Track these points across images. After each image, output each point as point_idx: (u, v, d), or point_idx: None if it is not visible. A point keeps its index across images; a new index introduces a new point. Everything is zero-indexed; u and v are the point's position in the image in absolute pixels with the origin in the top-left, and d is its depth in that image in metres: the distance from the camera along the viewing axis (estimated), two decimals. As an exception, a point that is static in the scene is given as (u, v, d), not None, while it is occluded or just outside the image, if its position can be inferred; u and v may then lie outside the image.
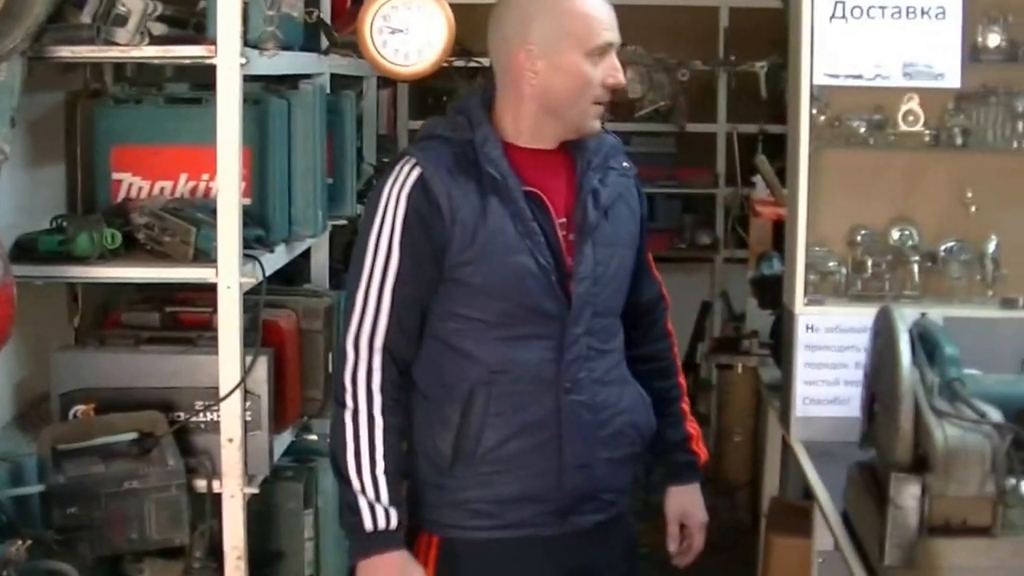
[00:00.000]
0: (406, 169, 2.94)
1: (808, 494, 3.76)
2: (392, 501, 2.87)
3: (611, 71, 2.92)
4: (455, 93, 6.91)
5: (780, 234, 4.94)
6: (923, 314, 3.14)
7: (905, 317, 2.91)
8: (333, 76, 4.55)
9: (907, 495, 2.71)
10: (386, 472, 2.88)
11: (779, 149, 5.59)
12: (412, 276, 2.91)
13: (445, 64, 6.57)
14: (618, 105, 6.78)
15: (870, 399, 3.07)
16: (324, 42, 4.35)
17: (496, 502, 2.97)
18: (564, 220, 2.96)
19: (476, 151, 2.92)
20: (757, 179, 6.23)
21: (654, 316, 3.29)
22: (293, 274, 4.47)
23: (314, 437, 4.28)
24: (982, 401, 2.78)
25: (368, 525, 2.86)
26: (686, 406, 3.34)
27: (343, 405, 2.93)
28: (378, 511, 2.86)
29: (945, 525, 2.70)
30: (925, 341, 2.95)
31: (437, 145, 2.99)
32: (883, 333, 2.95)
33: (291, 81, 4.01)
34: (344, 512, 2.93)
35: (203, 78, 3.68)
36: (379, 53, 4.20)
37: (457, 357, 2.97)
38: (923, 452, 2.74)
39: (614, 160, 3.04)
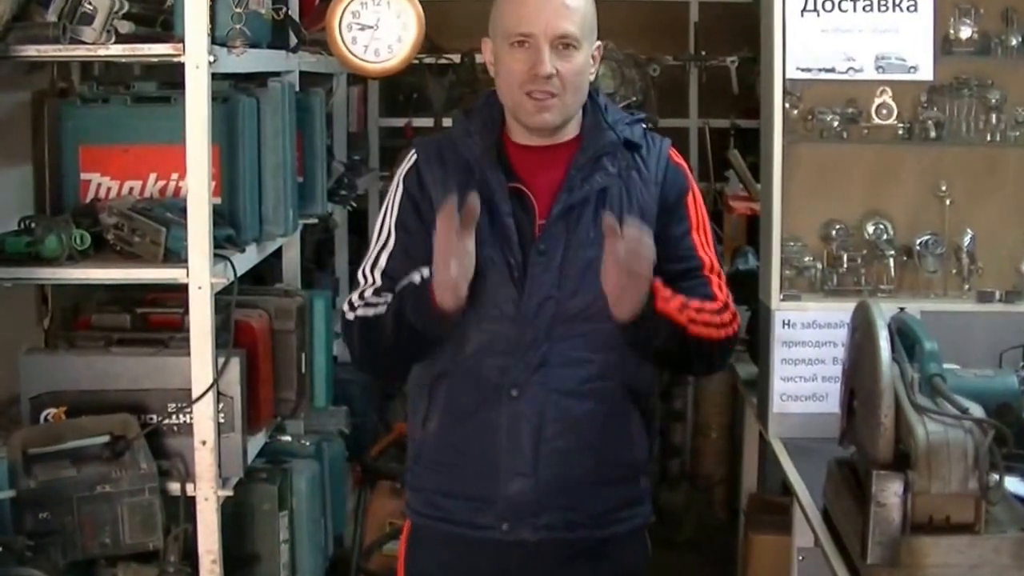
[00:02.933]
0: (408, 155, 3.03)
1: (787, 490, 3.74)
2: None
3: (531, 62, 2.83)
4: (426, 90, 6.86)
5: (754, 229, 4.91)
6: (901, 309, 3.13)
7: (883, 312, 2.89)
8: (302, 74, 4.51)
9: (889, 492, 2.68)
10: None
11: (751, 144, 5.57)
12: (401, 254, 2.93)
13: (415, 61, 6.60)
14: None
15: (849, 395, 3.05)
16: (293, 40, 4.30)
17: (443, 495, 2.98)
18: (544, 221, 2.91)
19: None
20: (730, 174, 6.20)
21: (681, 283, 2.91)
22: (264, 273, 4.44)
23: (288, 438, 4.25)
24: (962, 397, 2.76)
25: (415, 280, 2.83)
26: (694, 301, 2.88)
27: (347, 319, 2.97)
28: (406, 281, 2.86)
29: (928, 522, 2.68)
30: (904, 336, 2.93)
31: (442, 135, 3.08)
32: (861, 328, 2.92)
33: (259, 79, 3.96)
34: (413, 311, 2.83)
35: (171, 76, 3.65)
36: (348, 50, 4.18)
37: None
38: (904, 449, 2.72)
39: (608, 159, 2.94)
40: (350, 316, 2.95)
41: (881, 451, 2.73)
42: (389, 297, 2.88)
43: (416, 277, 2.80)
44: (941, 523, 2.68)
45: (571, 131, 2.97)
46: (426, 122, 6.89)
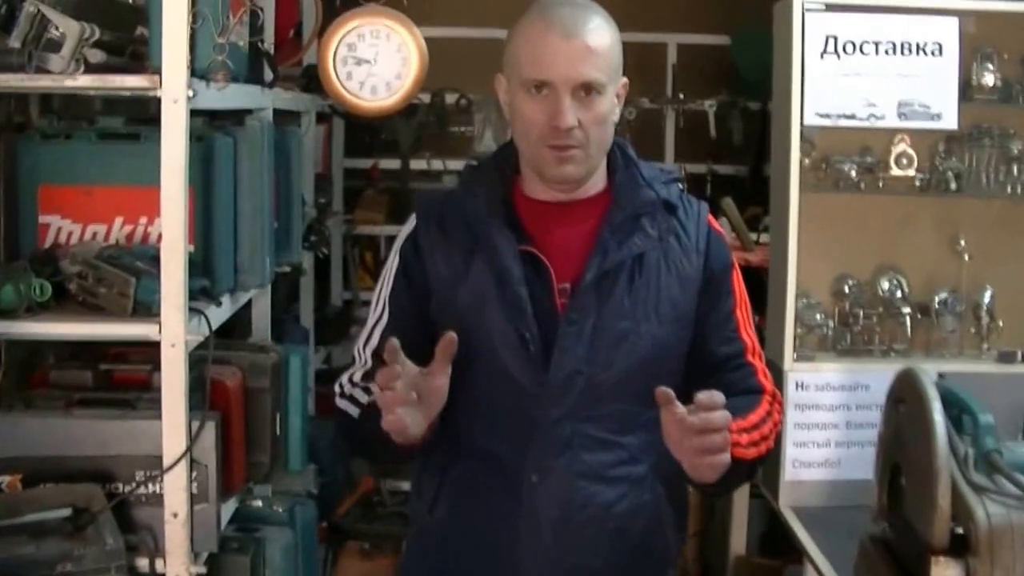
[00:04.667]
0: (409, 218, 2.74)
1: (773, 552, 3.49)
2: None
3: (550, 113, 2.52)
4: (393, 130, 6.61)
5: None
6: (941, 375, 2.88)
7: (933, 382, 2.64)
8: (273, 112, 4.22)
9: None
10: None
11: (727, 190, 5.36)
12: (393, 332, 2.58)
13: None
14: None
15: (890, 469, 2.79)
16: (268, 74, 4.02)
17: None
18: (567, 286, 2.61)
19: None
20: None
21: (724, 372, 2.66)
22: (231, 325, 4.13)
23: (259, 503, 3.94)
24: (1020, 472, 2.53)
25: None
26: (753, 416, 2.59)
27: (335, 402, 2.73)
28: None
29: (991, 614, 2.45)
30: (949, 405, 2.68)
31: (445, 192, 2.77)
32: (910, 399, 2.67)
33: (231, 117, 3.69)
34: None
35: (138, 111, 3.44)
36: (343, 86, 3.88)
37: (439, 427, 2.66)
38: (962, 532, 2.48)
39: (647, 219, 2.64)
40: (337, 402, 2.71)
41: (937, 535, 2.50)
42: (367, 396, 2.61)
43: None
44: (1005, 615, 2.45)
45: (595, 185, 2.68)
46: (392, 164, 6.64)
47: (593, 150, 2.58)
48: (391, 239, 6.60)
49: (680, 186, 2.72)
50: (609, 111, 2.58)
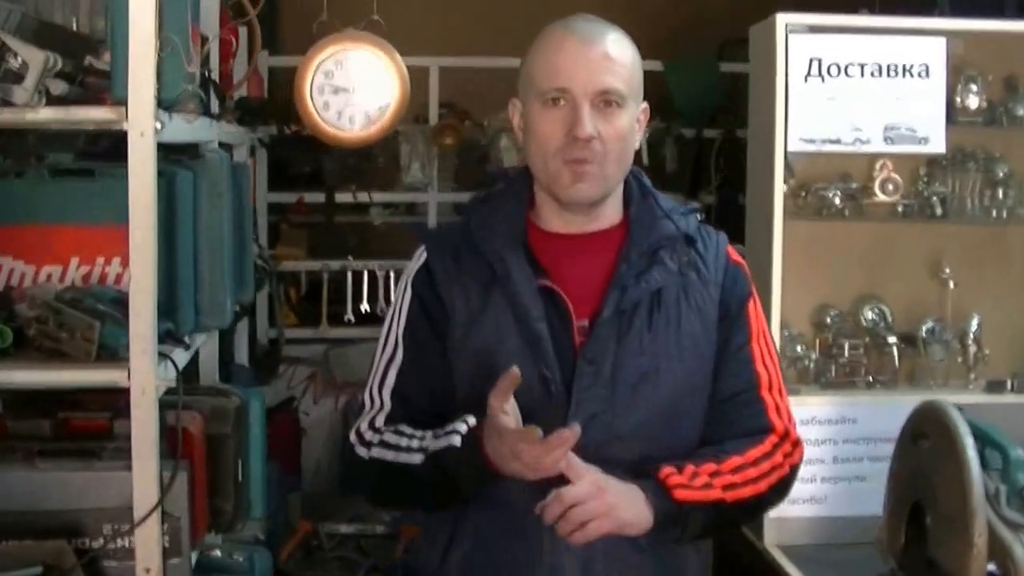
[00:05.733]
0: (417, 253, 2.60)
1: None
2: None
3: (569, 123, 2.41)
4: (318, 162, 6.46)
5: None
6: (960, 408, 2.79)
7: (962, 417, 2.55)
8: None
9: None
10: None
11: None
12: (413, 370, 2.53)
13: (302, 131, 6.17)
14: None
15: (907, 507, 2.69)
16: (215, 106, 3.85)
17: None
18: (585, 323, 2.48)
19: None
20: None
21: (733, 407, 2.58)
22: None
23: (218, 552, 3.76)
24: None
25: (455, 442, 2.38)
26: (709, 464, 2.47)
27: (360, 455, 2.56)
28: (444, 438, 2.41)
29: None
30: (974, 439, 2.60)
31: (456, 225, 2.62)
32: (936, 435, 2.59)
33: (180, 151, 3.51)
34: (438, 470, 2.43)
35: (84, 145, 3.31)
36: (319, 116, 3.69)
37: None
38: (997, 571, 2.38)
39: (666, 252, 2.52)
40: (363, 454, 2.53)
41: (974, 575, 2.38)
42: (414, 440, 2.46)
43: (456, 439, 2.37)
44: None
45: (611, 216, 2.56)
46: (317, 197, 6.47)
47: (610, 169, 2.46)
48: (313, 275, 6.46)
49: (699, 217, 2.60)
50: (629, 128, 2.47)
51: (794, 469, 2.59)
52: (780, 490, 2.57)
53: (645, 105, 2.53)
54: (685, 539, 2.45)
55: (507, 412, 2.30)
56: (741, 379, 2.56)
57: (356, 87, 3.70)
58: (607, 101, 2.42)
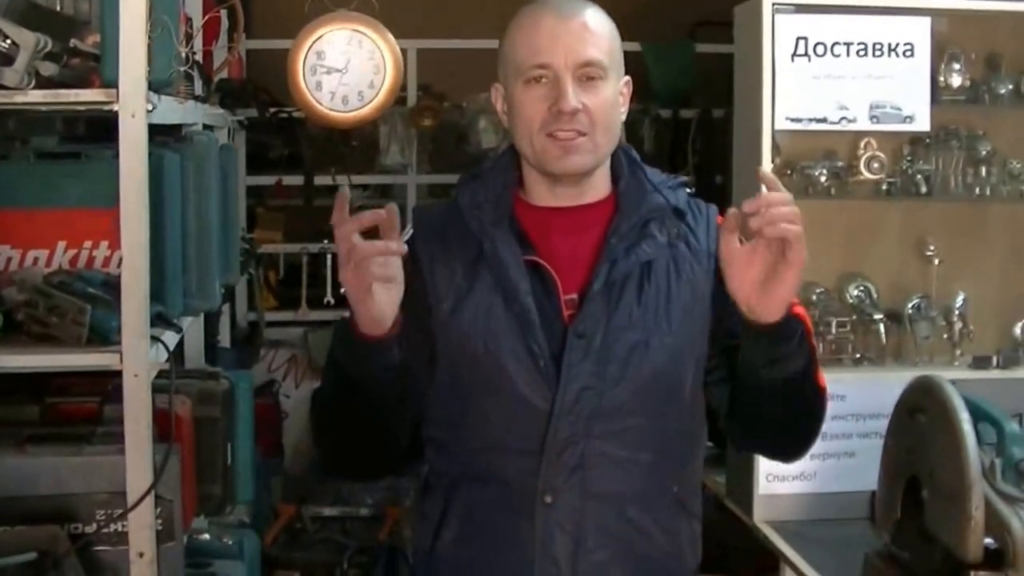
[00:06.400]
0: (404, 231, 2.51)
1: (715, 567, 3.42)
2: None
3: (552, 98, 2.39)
4: (295, 146, 6.45)
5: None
6: (953, 383, 2.80)
7: (956, 392, 2.56)
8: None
9: None
10: None
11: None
12: None
13: (283, 114, 6.17)
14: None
15: (902, 482, 2.71)
16: (200, 87, 3.83)
17: None
18: (574, 297, 2.47)
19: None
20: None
21: None
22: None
23: (207, 536, 3.76)
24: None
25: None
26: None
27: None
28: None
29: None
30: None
31: (444, 204, 2.60)
32: (932, 410, 2.60)
33: (165, 133, 3.50)
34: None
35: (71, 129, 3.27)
36: (312, 96, 3.66)
37: (439, 449, 2.54)
38: (994, 545, 2.40)
39: (655, 225, 2.50)
40: (312, 414, 2.54)
41: (972, 549, 2.45)
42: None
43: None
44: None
45: (600, 190, 2.53)
46: (295, 180, 6.47)
47: (600, 138, 2.43)
48: (291, 257, 6.46)
49: (688, 190, 2.60)
50: (614, 99, 2.44)
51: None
52: (820, 415, 2.53)
53: (628, 79, 2.50)
54: (783, 365, 2.34)
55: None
56: None
57: (349, 67, 3.67)
58: (589, 75, 2.39)
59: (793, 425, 2.52)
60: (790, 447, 2.62)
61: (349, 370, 2.36)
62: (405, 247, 2.24)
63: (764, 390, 2.38)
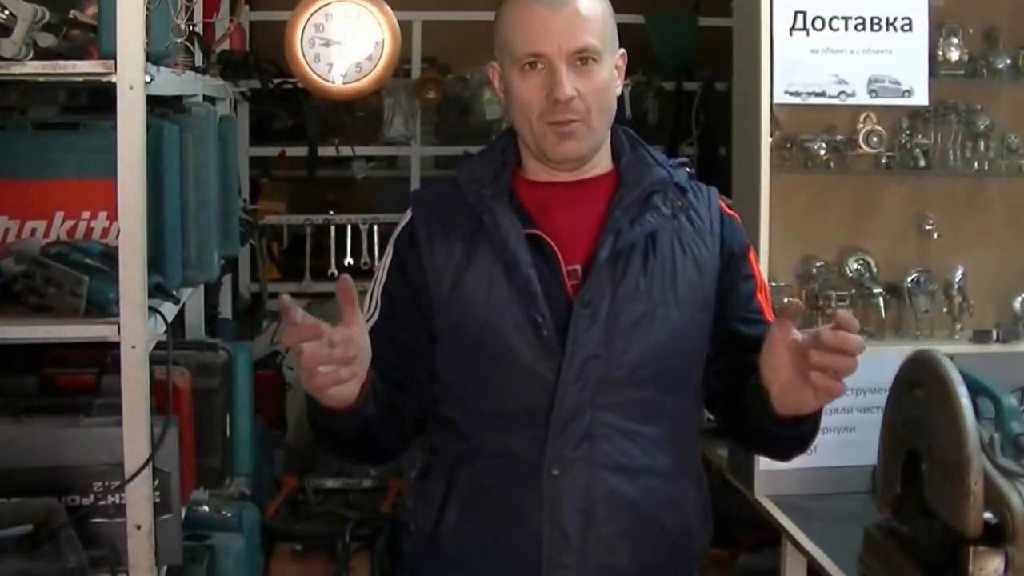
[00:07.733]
0: (406, 214, 2.57)
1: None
2: None
3: (547, 86, 2.40)
4: (300, 116, 6.44)
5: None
6: (950, 357, 2.79)
7: (954, 366, 2.55)
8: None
9: (988, 571, 2.39)
10: None
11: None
12: (386, 327, 2.49)
13: (288, 85, 6.16)
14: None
15: (901, 456, 2.71)
16: (199, 59, 3.83)
17: None
18: (577, 268, 2.47)
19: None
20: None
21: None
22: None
23: (206, 508, 3.76)
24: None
25: None
26: None
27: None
28: None
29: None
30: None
31: (444, 181, 2.60)
32: (929, 385, 2.60)
33: (164, 104, 3.49)
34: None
35: (71, 100, 3.27)
36: (311, 68, 3.67)
37: (443, 428, 2.54)
38: (994, 519, 2.40)
39: (659, 197, 2.51)
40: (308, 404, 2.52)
41: (971, 524, 2.46)
42: None
43: None
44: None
45: (600, 165, 2.55)
46: (299, 151, 6.46)
47: (595, 121, 2.45)
48: (295, 228, 6.46)
49: (688, 170, 2.60)
50: (609, 80, 2.46)
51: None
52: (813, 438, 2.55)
53: (622, 51, 2.52)
54: (790, 430, 2.38)
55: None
56: (756, 328, 2.51)
57: (346, 40, 3.67)
58: (583, 59, 2.41)
59: (788, 453, 2.60)
60: (780, 459, 2.69)
61: (325, 424, 2.37)
62: (356, 351, 2.21)
63: (764, 431, 2.41)
